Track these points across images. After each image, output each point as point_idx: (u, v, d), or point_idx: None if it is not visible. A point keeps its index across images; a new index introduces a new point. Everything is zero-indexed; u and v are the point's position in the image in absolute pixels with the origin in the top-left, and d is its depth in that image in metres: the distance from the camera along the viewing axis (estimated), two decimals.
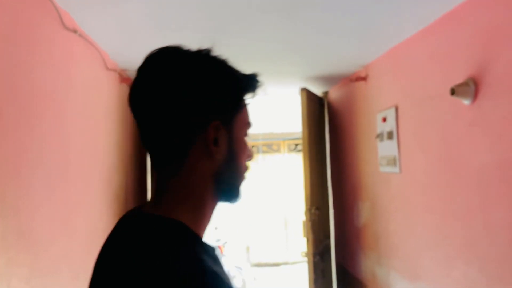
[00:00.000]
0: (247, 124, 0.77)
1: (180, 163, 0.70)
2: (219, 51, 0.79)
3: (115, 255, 0.67)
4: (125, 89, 3.09)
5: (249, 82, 0.75)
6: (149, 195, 3.87)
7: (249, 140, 0.79)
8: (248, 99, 0.76)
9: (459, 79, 1.96)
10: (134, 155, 3.42)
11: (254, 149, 8.49)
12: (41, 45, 1.68)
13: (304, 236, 3.55)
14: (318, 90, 4.11)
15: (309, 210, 3.48)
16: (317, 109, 3.98)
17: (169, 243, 0.63)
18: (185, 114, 0.68)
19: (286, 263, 8.08)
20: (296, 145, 8.53)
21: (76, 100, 2.05)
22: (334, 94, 3.99)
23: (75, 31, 2.00)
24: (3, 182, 1.35)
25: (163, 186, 0.71)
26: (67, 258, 1.86)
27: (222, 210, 6.57)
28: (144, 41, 2.44)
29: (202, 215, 0.72)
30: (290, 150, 8.56)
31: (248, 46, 2.58)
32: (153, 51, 0.73)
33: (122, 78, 2.95)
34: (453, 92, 1.89)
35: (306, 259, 3.57)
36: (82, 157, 2.12)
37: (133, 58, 2.79)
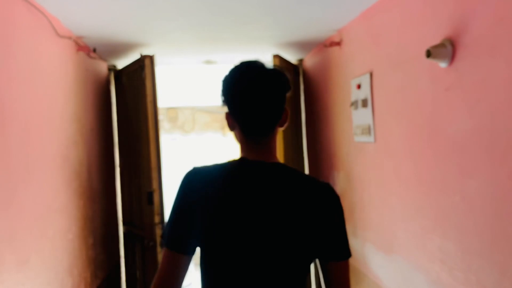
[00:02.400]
0: None
1: (274, 131, 1.19)
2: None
3: (299, 184, 1.15)
4: (82, 58, 2.87)
5: None
6: (117, 170, 3.71)
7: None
8: None
9: (435, 40, 1.82)
10: (97, 129, 3.23)
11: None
12: None
13: None
14: (293, 58, 3.94)
15: None
16: (291, 77, 3.80)
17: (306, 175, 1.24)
18: (283, 105, 1.18)
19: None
20: None
21: (18, 70, 1.85)
22: (309, 61, 3.83)
23: None
24: None
25: (268, 144, 1.18)
26: (12, 241, 1.70)
27: None
28: (99, 8, 2.24)
29: None
30: None
31: (215, 6, 2.39)
32: (254, 63, 1.18)
33: (79, 46, 2.73)
34: (429, 54, 1.75)
35: None
36: (29, 130, 1.94)
37: (89, 25, 2.57)
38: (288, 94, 1.19)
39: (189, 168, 1.18)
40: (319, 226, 1.13)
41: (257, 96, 1.13)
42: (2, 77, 1.70)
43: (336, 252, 1.16)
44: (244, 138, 1.18)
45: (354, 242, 2.95)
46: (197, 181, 1.15)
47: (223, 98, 1.18)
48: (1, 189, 1.64)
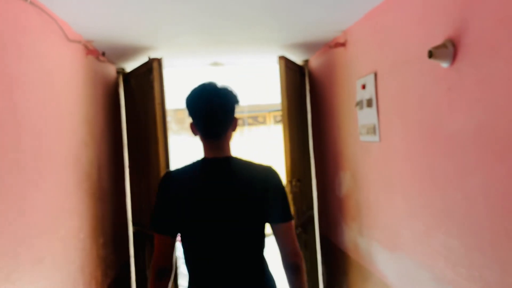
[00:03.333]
0: None
1: (228, 134, 1.60)
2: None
3: (245, 170, 1.59)
4: (92, 61, 2.93)
5: None
6: (127, 171, 3.78)
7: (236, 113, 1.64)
8: None
9: (437, 41, 1.85)
10: (107, 131, 3.29)
11: (239, 122, 8.34)
12: None
13: None
14: (298, 59, 3.97)
15: (289, 183, 3.40)
16: (297, 78, 3.86)
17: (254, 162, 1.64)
18: (233, 115, 1.60)
19: (267, 235, 8.04)
20: None
21: (29, 74, 1.91)
22: (315, 62, 3.86)
23: None
24: None
25: (222, 144, 1.59)
26: (26, 241, 1.76)
27: None
28: (108, 12, 2.29)
29: None
30: (276, 122, 8.47)
31: (221, 9, 2.43)
32: (214, 85, 1.58)
33: (88, 50, 2.79)
34: (430, 54, 1.78)
35: None
36: (40, 133, 1.99)
37: (98, 30, 2.63)
38: (236, 106, 1.58)
39: (164, 172, 1.55)
40: (266, 198, 1.55)
41: (213, 110, 1.54)
42: (15, 82, 1.76)
43: (280, 216, 1.58)
44: (204, 141, 1.60)
45: (360, 241, 2.98)
46: (170, 182, 1.58)
47: (187, 112, 1.57)
48: (15, 191, 1.70)
